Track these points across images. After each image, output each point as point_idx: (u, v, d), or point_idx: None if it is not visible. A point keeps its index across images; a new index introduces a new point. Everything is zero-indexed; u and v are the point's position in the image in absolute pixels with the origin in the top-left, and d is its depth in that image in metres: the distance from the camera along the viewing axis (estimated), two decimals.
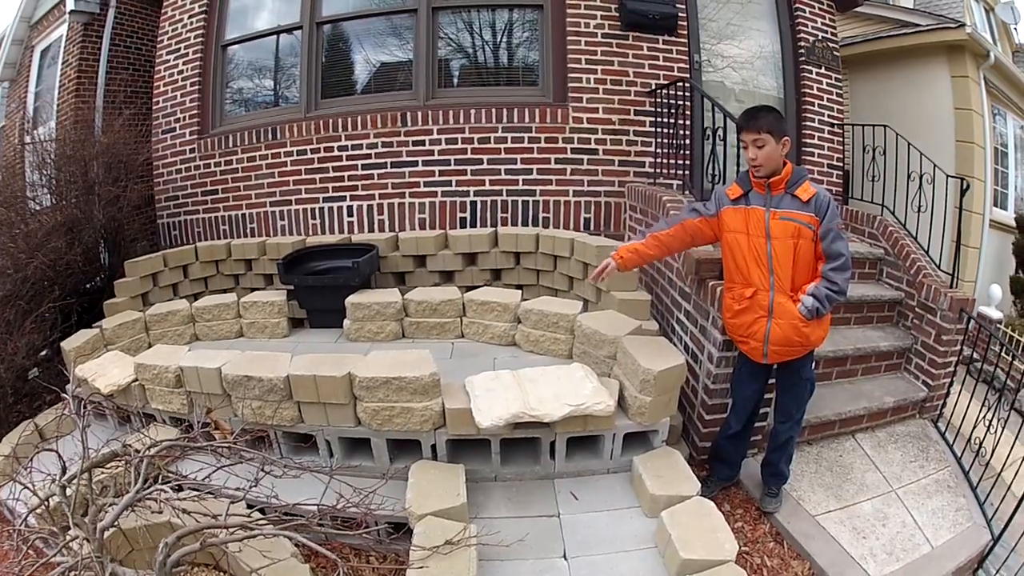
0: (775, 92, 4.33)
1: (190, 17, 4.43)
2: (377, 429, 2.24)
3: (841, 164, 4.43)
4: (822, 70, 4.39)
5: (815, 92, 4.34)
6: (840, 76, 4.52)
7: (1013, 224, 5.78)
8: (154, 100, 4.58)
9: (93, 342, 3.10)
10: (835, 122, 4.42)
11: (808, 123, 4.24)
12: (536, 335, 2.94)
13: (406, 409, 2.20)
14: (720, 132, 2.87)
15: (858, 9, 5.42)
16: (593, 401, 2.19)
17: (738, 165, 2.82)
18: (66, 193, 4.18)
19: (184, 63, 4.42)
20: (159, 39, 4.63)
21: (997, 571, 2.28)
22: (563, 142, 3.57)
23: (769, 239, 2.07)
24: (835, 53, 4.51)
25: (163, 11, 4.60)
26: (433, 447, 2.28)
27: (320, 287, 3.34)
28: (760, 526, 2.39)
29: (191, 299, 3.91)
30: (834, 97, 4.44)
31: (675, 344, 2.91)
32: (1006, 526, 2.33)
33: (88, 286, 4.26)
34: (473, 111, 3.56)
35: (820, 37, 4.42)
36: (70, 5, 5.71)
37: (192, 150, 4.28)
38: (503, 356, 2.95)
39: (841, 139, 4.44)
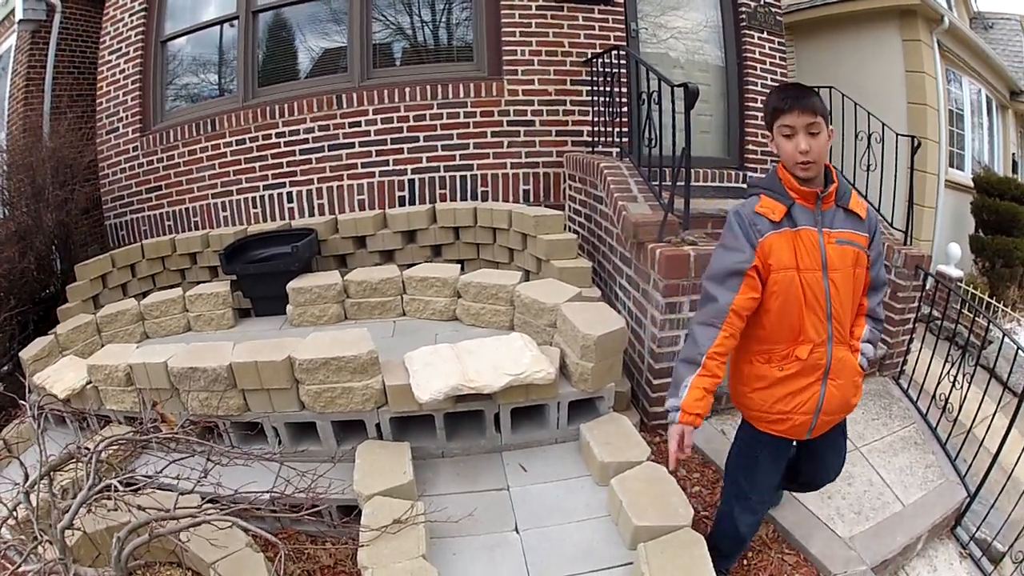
0: (718, 61, 4.33)
1: (131, 16, 4.39)
2: (321, 411, 2.22)
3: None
4: (764, 34, 4.39)
5: (757, 56, 4.34)
6: (783, 40, 4.52)
7: (971, 184, 5.81)
8: (98, 101, 4.55)
9: (49, 348, 3.07)
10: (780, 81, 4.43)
11: (751, 87, 4.25)
12: (476, 308, 2.92)
13: (347, 389, 2.18)
14: (656, 96, 2.82)
15: None
16: (533, 369, 2.15)
17: (674, 131, 2.68)
18: (17, 202, 4.15)
19: (126, 62, 4.38)
20: (102, 40, 4.60)
21: (977, 528, 2.23)
22: (499, 115, 3.55)
23: (826, 272, 1.47)
24: (778, 17, 4.52)
25: (105, 11, 4.57)
26: (378, 426, 2.25)
27: (261, 274, 3.31)
28: (719, 490, 2.29)
29: (140, 297, 3.87)
30: (777, 61, 4.44)
31: (619, 310, 2.89)
32: (982, 482, 2.27)
33: (44, 294, 4.22)
34: (408, 89, 3.54)
35: (762, 1, 4.42)
36: (19, 15, 5.65)
37: (135, 148, 4.24)
38: (445, 331, 2.93)
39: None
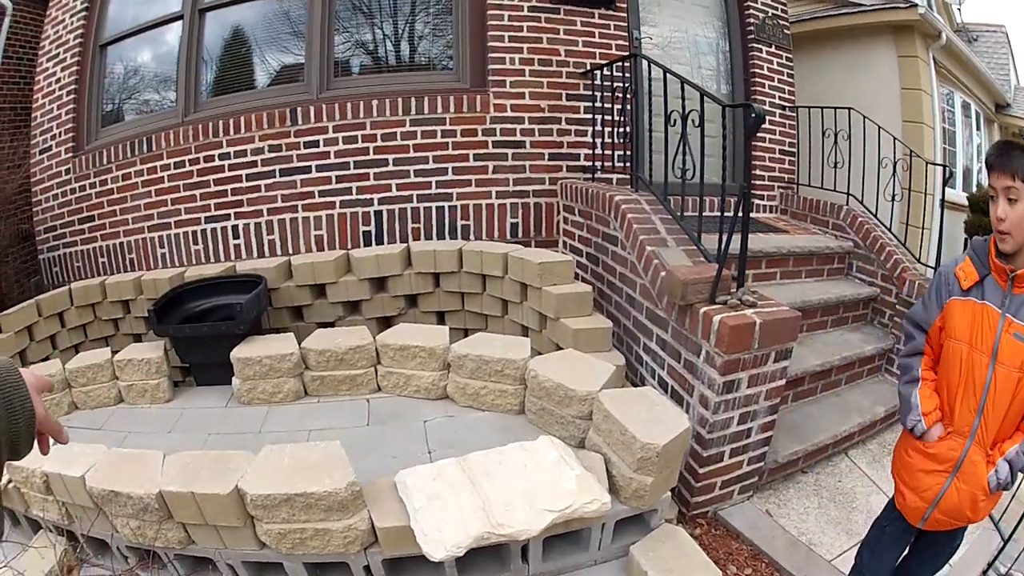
0: (717, 72, 3.54)
1: (72, 16, 3.44)
2: (288, 554, 1.53)
3: (794, 150, 3.67)
4: (772, 48, 3.62)
5: (765, 72, 3.57)
6: (791, 56, 3.75)
7: (964, 203, 5.14)
8: (32, 116, 3.58)
9: None
10: (786, 104, 3.66)
11: (758, 105, 3.46)
12: (475, 387, 2.13)
13: (321, 531, 1.50)
14: (695, 118, 1.97)
15: None
16: (582, 501, 1.51)
17: (702, 154, 1.97)
18: None
19: (63, 70, 3.43)
20: (41, 45, 3.64)
21: (1008, 569, 1.96)
22: (483, 134, 2.70)
23: (993, 361, 1.23)
24: (786, 31, 3.75)
25: (48, 12, 3.60)
26: (367, 568, 1.58)
27: (200, 337, 2.43)
28: None
29: (73, 352, 2.99)
30: (785, 78, 3.68)
31: (644, 379, 2.18)
32: (1017, 525, 1.96)
33: None
34: (376, 102, 2.66)
35: (770, 13, 3.64)
36: None
37: (67, 171, 3.30)
38: (435, 416, 2.14)
39: (794, 122, 3.69)
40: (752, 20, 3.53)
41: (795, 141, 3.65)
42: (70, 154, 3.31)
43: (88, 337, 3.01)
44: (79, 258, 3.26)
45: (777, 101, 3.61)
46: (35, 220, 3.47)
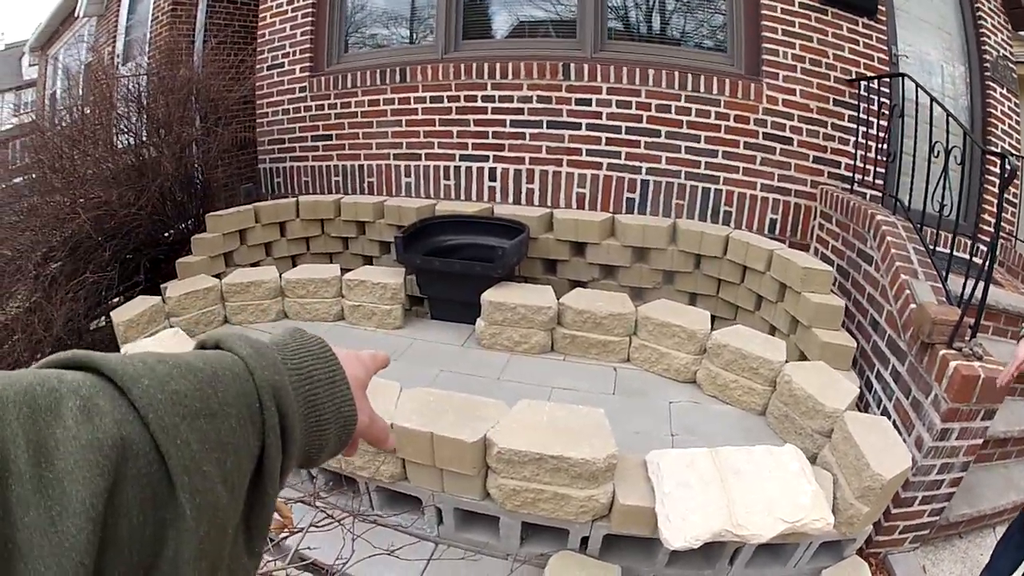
0: (963, 113, 3.41)
1: None
2: (512, 511, 1.52)
3: (1016, 202, 3.51)
4: (1004, 91, 3.47)
5: (998, 115, 3.41)
6: (1017, 102, 3.59)
7: None
8: (259, 32, 3.66)
9: (151, 313, 2.25)
10: (1015, 153, 3.50)
11: (991, 149, 3.31)
12: (726, 379, 2.08)
13: (559, 495, 1.48)
14: (957, 155, 1.92)
15: None
16: (812, 517, 1.49)
17: (960, 192, 1.94)
18: (147, 132, 3.29)
19: None
20: None
21: None
22: (755, 124, 2.63)
23: None
24: (1013, 75, 3.59)
25: None
26: (584, 539, 1.58)
27: (447, 272, 2.42)
28: None
29: (289, 262, 3.03)
30: (1014, 123, 3.51)
31: (871, 407, 2.12)
32: None
33: (166, 235, 3.34)
34: (652, 71, 2.62)
35: (1001, 53, 3.49)
36: None
37: (303, 89, 3.36)
38: (680, 399, 2.12)
39: (1019, 172, 3.52)
40: (987, 57, 3.38)
41: (1019, 193, 3.49)
42: (306, 73, 3.37)
43: (310, 250, 3.05)
44: (308, 173, 3.32)
45: (1007, 147, 3.46)
46: (258, 131, 3.54)
